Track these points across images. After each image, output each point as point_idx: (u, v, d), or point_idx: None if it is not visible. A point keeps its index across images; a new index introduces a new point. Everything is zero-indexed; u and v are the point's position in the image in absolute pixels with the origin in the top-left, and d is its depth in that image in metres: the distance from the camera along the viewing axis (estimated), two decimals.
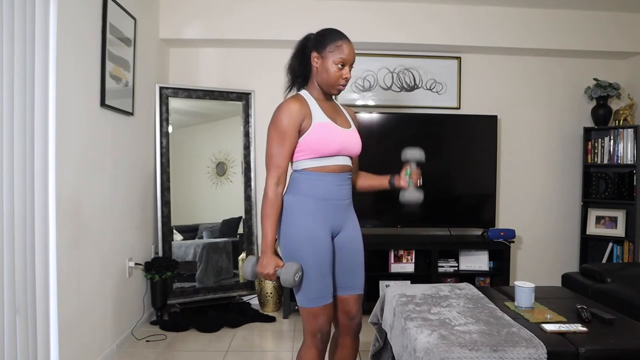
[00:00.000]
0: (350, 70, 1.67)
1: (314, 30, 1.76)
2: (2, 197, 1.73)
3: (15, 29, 1.79)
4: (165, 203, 3.35)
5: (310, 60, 1.68)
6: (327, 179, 1.65)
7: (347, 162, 1.71)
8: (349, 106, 1.99)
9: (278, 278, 1.59)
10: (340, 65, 1.64)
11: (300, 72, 1.72)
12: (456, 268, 3.47)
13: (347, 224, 1.74)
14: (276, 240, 1.63)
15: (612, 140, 3.61)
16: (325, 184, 1.65)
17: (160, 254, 3.30)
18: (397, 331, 1.90)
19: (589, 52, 3.70)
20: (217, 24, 3.45)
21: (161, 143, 3.34)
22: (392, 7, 3.51)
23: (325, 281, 1.63)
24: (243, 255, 3.60)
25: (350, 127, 1.75)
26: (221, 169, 3.60)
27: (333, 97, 1.78)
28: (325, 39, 1.67)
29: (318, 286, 1.61)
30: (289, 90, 1.77)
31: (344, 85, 1.68)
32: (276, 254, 1.63)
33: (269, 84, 3.62)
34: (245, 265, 1.65)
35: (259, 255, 1.62)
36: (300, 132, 1.62)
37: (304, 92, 1.71)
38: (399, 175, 1.85)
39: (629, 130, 3.55)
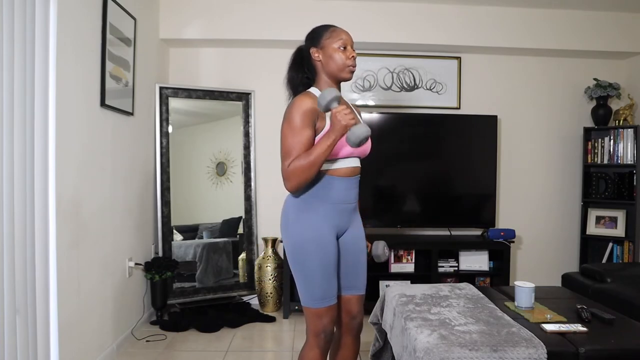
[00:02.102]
0: (353, 51, 1.67)
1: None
2: (2, 198, 1.73)
3: (15, 29, 1.79)
4: (165, 203, 3.35)
5: (309, 64, 1.69)
6: (338, 183, 1.64)
7: (357, 164, 1.71)
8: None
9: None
10: (342, 48, 1.64)
11: (299, 80, 1.71)
12: (456, 268, 3.47)
13: (352, 225, 1.74)
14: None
15: (612, 140, 3.61)
16: (336, 188, 1.64)
17: (160, 254, 3.30)
18: (397, 331, 1.90)
19: (589, 52, 3.70)
20: (217, 24, 3.45)
21: (161, 143, 3.34)
22: (392, 7, 3.51)
23: (331, 282, 1.63)
24: (243, 255, 3.60)
25: None
26: (221, 169, 3.60)
27: (351, 97, 1.76)
28: (317, 32, 1.69)
29: (323, 287, 1.61)
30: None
31: (354, 66, 1.67)
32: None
33: (269, 84, 3.62)
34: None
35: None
36: (315, 132, 1.58)
37: (314, 90, 1.68)
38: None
39: (629, 130, 3.55)
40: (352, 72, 1.67)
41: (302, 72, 1.71)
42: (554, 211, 3.87)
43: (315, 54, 1.67)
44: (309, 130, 1.56)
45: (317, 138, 1.58)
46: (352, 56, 1.65)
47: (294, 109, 1.57)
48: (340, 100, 1.54)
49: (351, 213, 1.72)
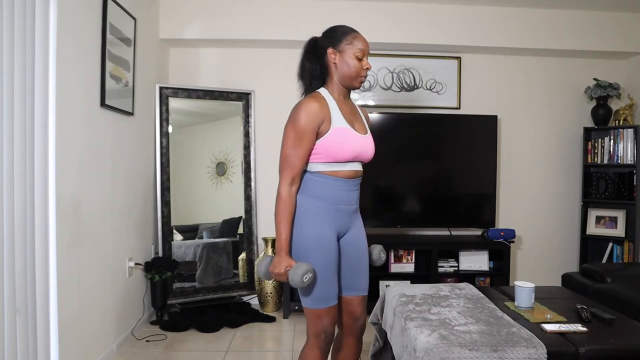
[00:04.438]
0: (368, 62, 1.66)
1: (313, 30, 1.75)
2: (2, 198, 1.73)
3: (15, 29, 1.79)
4: (165, 203, 3.34)
5: (325, 58, 1.66)
6: (339, 184, 1.64)
7: (359, 167, 1.71)
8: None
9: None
10: (359, 57, 1.63)
11: (317, 73, 1.68)
12: (456, 268, 3.47)
13: (353, 226, 1.74)
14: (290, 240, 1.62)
15: (612, 140, 3.61)
16: (337, 189, 1.64)
17: (160, 254, 3.30)
18: (397, 331, 1.90)
19: (589, 52, 3.70)
20: (217, 24, 3.45)
21: (161, 143, 3.34)
22: (392, 7, 3.51)
23: (331, 282, 1.63)
24: (243, 255, 3.60)
25: (366, 132, 1.72)
26: (221, 169, 3.60)
27: (351, 97, 1.75)
28: (338, 33, 1.66)
29: (324, 287, 1.61)
30: (305, 94, 1.71)
31: (366, 77, 1.67)
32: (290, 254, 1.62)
33: (269, 84, 3.63)
34: (259, 264, 1.67)
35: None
36: (318, 135, 1.58)
37: (323, 91, 1.66)
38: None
39: (629, 130, 3.55)
40: (362, 82, 1.67)
41: (319, 64, 1.67)
42: (554, 211, 3.87)
43: (332, 55, 1.65)
44: (311, 136, 1.56)
45: (318, 142, 1.59)
46: (367, 67, 1.65)
47: (301, 111, 1.56)
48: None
49: (352, 215, 1.72)
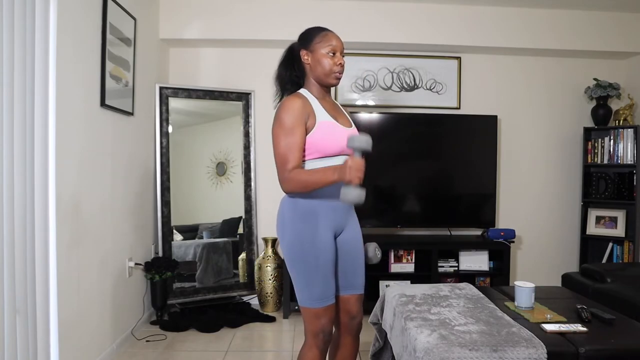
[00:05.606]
0: (342, 57, 1.67)
1: None
2: (2, 197, 1.73)
3: (15, 29, 1.79)
4: (165, 203, 3.34)
5: (300, 63, 1.70)
6: None
7: None
8: (346, 106, 1.98)
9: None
10: (331, 54, 1.64)
11: (288, 78, 1.73)
12: (456, 268, 3.47)
13: (349, 225, 1.74)
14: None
15: (612, 140, 3.61)
16: (331, 186, 1.63)
17: (160, 254, 3.30)
18: (397, 331, 1.90)
19: (589, 52, 3.70)
20: (217, 24, 3.45)
21: (161, 143, 3.34)
22: (392, 7, 3.51)
23: (329, 281, 1.63)
24: (243, 255, 3.60)
25: (351, 125, 1.75)
26: (221, 169, 3.60)
27: (332, 95, 1.77)
28: (309, 34, 1.70)
29: (321, 286, 1.61)
30: (280, 98, 1.77)
31: (341, 73, 1.67)
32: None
33: (269, 84, 3.54)
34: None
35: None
36: (306, 131, 1.59)
37: (303, 91, 1.70)
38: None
39: (629, 130, 3.55)
40: (338, 78, 1.68)
41: (291, 70, 1.72)
42: (554, 211, 3.87)
43: (305, 56, 1.68)
44: (301, 129, 1.57)
45: (307, 138, 1.59)
46: (340, 63, 1.66)
47: (283, 110, 1.59)
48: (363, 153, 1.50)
49: (347, 212, 1.72)
